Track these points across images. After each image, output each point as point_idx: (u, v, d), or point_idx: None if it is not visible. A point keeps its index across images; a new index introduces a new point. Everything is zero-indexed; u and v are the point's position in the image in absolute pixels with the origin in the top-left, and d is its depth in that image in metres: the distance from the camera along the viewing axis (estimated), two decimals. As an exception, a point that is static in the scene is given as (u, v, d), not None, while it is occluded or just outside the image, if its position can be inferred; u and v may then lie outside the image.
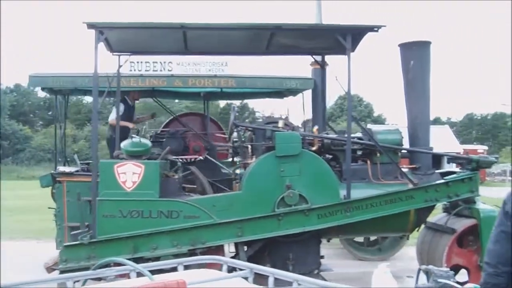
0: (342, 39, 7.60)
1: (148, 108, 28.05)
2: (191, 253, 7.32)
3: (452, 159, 8.63)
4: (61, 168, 9.30)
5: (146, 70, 10.53)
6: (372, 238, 11.43)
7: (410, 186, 7.78)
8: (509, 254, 3.43)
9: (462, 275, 8.24)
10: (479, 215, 7.70)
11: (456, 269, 8.15)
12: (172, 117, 11.78)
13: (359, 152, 8.27)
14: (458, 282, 7.11)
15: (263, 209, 7.46)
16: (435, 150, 8.54)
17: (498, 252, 3.46)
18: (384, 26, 7.51)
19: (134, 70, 10.46)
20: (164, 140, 10.46)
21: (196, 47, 8.98)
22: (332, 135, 8.19)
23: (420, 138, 8.18)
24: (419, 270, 5.69)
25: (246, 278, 3.06)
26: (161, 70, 10.56)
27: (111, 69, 9.13)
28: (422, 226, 8.59)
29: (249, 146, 8.27)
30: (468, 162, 8.13)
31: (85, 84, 10.08)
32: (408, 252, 10.98)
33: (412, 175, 7.95)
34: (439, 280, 5.28)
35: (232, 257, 7.80)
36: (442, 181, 7.92)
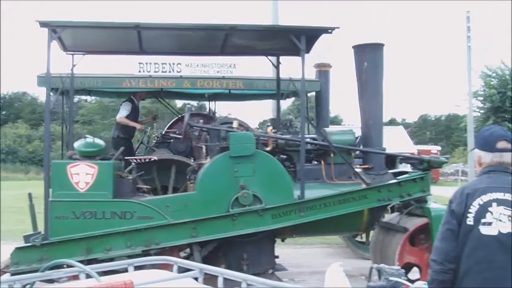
0: (296, 40, 7.64)
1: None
2: (145, 254, 7.26)
3: (404, 159, 8.77)
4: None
5: (155, 71, 10.72)
6: None
7: (364, 186, 7.88)
8: (454, 251, 3.51)
9: (415, 273, 8.38)
10: (430, 214, 7.83)
11: (408, 267, 8.27)
12: (176, 118, 11.67)
13: (313, 153, 8.33)
14: (410, 280, 7.27)
15: (217, 210, 7.45)
16: (390, 151, 8.67)
17: (444, 249, 3.54)
18: (338, 27, 7.59)
19: (143, 71, 10.65)
20: (171, 141, 10.24)
21: (151, 47, 8.93)
22: (285, 136, 8.21)
23: (373, 139, 8.28)
24: (371, 268, 5.78)
25: (196, 279, 3.06)
26: (170, 72, 10.69)
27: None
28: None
29: (204, 147, 8.26)
30: (420, 162, 8.28)
31: (93, 84, 10.14)
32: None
33: (365, 175, 8.04)
34: (390, 278, 5.36)
35: (187, 258, 7.79)
36: (395, 181, 8.04)
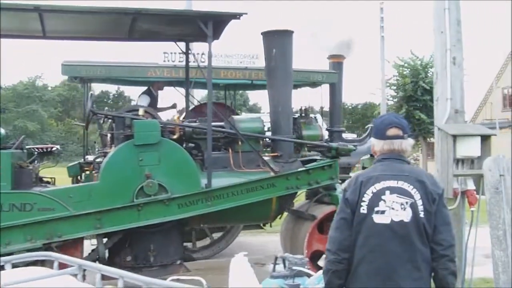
0: (203, 26, 7.47)
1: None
2: (47, 247, 6.96)
3: (312, 147, 8.78)
4: (90, 158, 9.25)
5: (179, 61, 10.81)
6: None
7: (272, 174, 7.82)
8: (348, 240, 3.47)
9: (323, 261, 8.39)
10: (339, 201, 7.83)
11: (317, 255, 8.31)
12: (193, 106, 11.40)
13: (222, 141, 8.20)
14: (319, 267, 7.29)
15: (122, 200, 7.20)
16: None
17: (338, 239, 3.50)
18: (246, 13, 7.46)
19: (168, 60, 10.88)
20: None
21: (54, 31, 8.56)
22: (192, 123, 8.05)
23: (282, 126, 8.21)
24: (276, 257, 5.74)
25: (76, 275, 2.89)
26: (194, 62, 10.21)
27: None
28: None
29: (109, 135, 8.00)
30: (328, 150, 8.30)
31: (119, 74, 10.35)
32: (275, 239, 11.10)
33: (274, 163, 7.99)
34: (294, 267, 5.34)
35: (93, 250, 7.54)
36: (303, 168, 8.03)
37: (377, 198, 3.44)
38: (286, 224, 8.78)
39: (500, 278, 5.02)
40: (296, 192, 8.22)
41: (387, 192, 3.44)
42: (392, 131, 3.60)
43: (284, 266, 5.58)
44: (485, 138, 6.28)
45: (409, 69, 27.00)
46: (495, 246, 5.08)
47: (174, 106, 11.69)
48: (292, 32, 8.34)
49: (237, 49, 10.84)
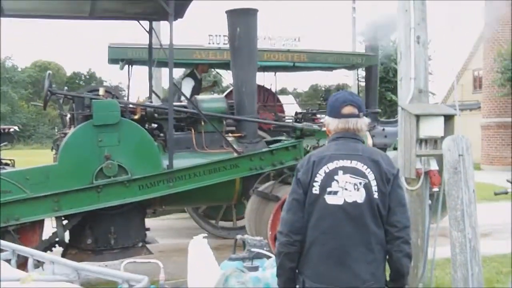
0: (164, 3, 7.28)
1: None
2: (4, 230, 6.78)
3: (278, 127, 8.69)
4: None
5: (224, 43, 10.85)
6: None
7: (235, 154, 7.71)
8: (300, 222, 3.37)
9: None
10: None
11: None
12: (230, 89, 11.82)
13: (184, 121, 8.05)
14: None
15: (80, 181, 7.02)
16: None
17: (290, 220, 3.39)
18: (209, -9, 7.31)
19: (213, 43, 11.05)
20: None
21: (12, 9, 8.28)
22: (154, 104, 7.90)
23: (245, 106, 8.10)
24: (236, 239, 5.66)
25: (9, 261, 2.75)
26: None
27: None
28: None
29: (68, 115, 7.81)
30: (293, 130, 8.21)
31: (163, 56, 9.89)
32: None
33: (238, 144, 7.88)
34: (253, 249, 5.26)
35: (53, 233, 7.38)
36: (267, 149, 7.93)
37: (329, 178, 3.33)
38: (251, 205, 8.69)
39: (457, 259, 4.98)
40: (260, 173, 8.12)
41: (340, 172, 3.34)
42: (347, 109, 3.49)
43: (244, 248, 5.51)
44: (448, 118, 6.23)
45: (381, 51, 26.98)
46: (453, 227, 5.02)
47: (214, 84, 12.57)
48: (257, 10, 8.21)
49: (282, 31, 11.04)
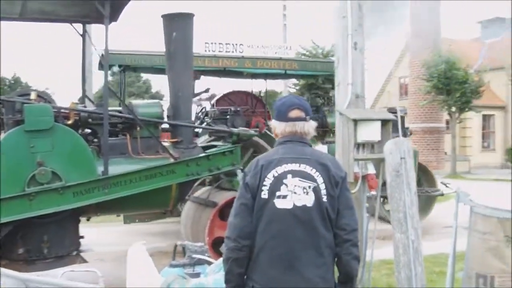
0: (100, 6, 7.12)
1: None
2: None
3: (214, 132, 8.63)
4: None
5: (219, 51, 11.45)
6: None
7: (172, 160, 7.60)
8: (249, 227, 3.33)
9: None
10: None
11: (219, 242, 8.19)
12: (221, 94, 12.74)
13: (119, 126, 7.88)
14: (221, 254, 7.14)
15: (12, 189, 6.72)
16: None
17: (238, 225, 3.34)
18: (145, -6, 7.21)
19: (209, 50, 11.39)
20: (228, 117, 10.98)
21: None
22: (88, 108, 7.71)
23: (181, 111, 8.01)
24: (176, 246, 5.56)
25: None
26: (232, 52, 11.38)
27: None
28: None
29: None
30: (230, 136, 8.18)
31: (162, 62, 10.33)
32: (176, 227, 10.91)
33: (174, 149, 7.78)
34: (194, 255, 5.18)
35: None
36: (203, 154, 7.86)
37: (278, 182, 3.31)
38: (187, 211, 8.60)
39: (400, 260, 5.06)
40: (197, 179, 8.04)
41: (289, 175, 3.32)
42: (294, 113, 3.48)
43: (184, 255, 5.42)
44: (385, 123, 6.34)
45: (310, 57, 27.35)
46: (396, 229, 5.10)
47: (207, 90, 12.66)
48: (193, 15, 8.15)
49: (274, 40, 11.58)
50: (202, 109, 12.29)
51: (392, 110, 13.95)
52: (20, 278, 2.27)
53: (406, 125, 14.56)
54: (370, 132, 6.20)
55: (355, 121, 6.13)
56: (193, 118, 11.64)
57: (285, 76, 13.52)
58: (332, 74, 13.03)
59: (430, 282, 7.43)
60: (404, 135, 13.04)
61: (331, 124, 11.32)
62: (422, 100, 28.11)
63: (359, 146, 6.25)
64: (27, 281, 2.33)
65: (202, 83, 14.16)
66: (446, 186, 9.04)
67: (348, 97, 6.36)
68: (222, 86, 16.14)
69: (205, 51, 11.36)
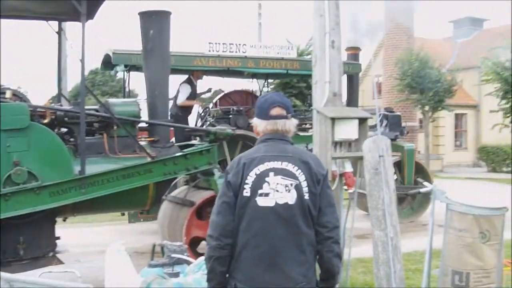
0: (76, 3, 7.04)
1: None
2: None
3: (191, 131, 8.61)
4: None
5: (223, 51, 11.46)
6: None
7: (149, 159, 7.56)
8: (231, 225, 3.33)
9: (203, 248, 8.30)
10: (217, 186, 7.75)
11: (197, 241, 8.18)
12: (222, 93, 13.07)
13: (96, 125, 7.81)
14: (198, 254, 7.15)
15: (-13, 189, 6.67)
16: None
17: (220, 224, 3.34)
18: (121, -8, 7.16)
19: (213, 50, 11.39)
20: (231, 117, 11.24)
21: None
22: (65, 107, 7.63)
23: (158, 110, 7.97)
24: (154, 245, 5.54)
25: None
26: (236, 52, 11.46)
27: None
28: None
29: None
30: (206, 135, 8.16)
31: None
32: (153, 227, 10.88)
33: (151, 148, 7.73)
34: (173, 255, 5.17)
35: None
36: (181, 153, 7.83)
37: (260, 180, 3.32)
38: (164, 211, 8.56)
39: (379, 257, 5.10)
40: (174, 178, 8.01)
41: (271, 173, 3.33)
42: (275, 111, 3.49)
43: (163, 254, 5.40)
44: (362, 121, 6.38)
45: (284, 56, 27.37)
46: (375, 226, 5.14)
47: (209, 90, 12.82)
48: (170, 13, 8.10)
49: (276, 40, 11.83)
50: (205, 109, 12.41)
51: (389, 110, 14.60)
52: (5, 278, 2.25)
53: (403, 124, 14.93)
54: (348, 131, 6.23)
55: (333, 120, 6.15)
56: (195, 118, 12.30)
57: (286, 75, 13.77)
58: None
59: (406, 280, 7.49)
60: (401, 133, 13.51)
61: None
62: (395, 99, 28.38)
63: (336, 144, 6.27)
64: (12, 281, 2.30)
65: (204, 83, 14.46)
66: (422, 184, 9.13)
67: (326, 95, 6.38)
68: (220, 85, 16.26)
69: (209, 51, 11.42)
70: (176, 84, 11.86)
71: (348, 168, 6.37)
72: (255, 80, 14.27)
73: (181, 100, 11.37)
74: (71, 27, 9.74)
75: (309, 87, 14.13)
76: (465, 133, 35.76)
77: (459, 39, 39.01)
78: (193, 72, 11.59)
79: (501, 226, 5.01)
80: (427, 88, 26.72)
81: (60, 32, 8.64)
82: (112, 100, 8.21)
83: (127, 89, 12.19)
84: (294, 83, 27.56)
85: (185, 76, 11.88)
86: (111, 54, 10.72)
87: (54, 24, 8.35)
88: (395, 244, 5.05)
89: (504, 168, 30.51)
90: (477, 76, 30.85)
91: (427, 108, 27.57)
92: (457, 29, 40.55)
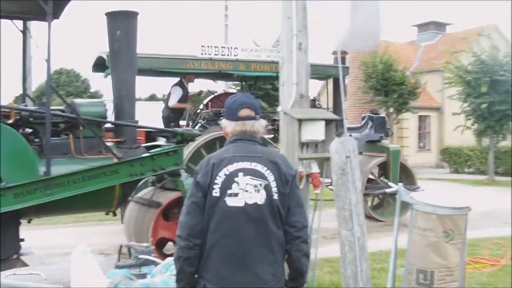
0: (42, 2, 6.96)
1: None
2: None
3: (158, 132, 8.58)
4: None
5: (215, 54, 11.58)
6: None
7: (115, 160, 7.51)
8: (200, 225, 3.34)
9: (170, 248, 8.29)
10: (184, 187, 7.75)
11: (163, 242, 8.16)
12: (211, 96, 13.21)
13: (62, 126, 7.72)
14: (165, 255, 7.12)
15: (-51, 191, 6.55)
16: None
17: (189, 224, 3.35)
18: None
19: (205, 53, 11.51)
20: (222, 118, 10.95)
21: None
22: (30, 107, 7.53)
23: (125, 111, 7.92)
24: (121, 246, 5.51)
25: None
26: (228, 55, 11.57)
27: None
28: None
29: None
30: (173, 135, 8.14)
31: (160, 65, 11.24)
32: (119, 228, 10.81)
33: (117, 149, 7.68)
34: (140, 256, 5.14)
35: None
36: (147, 154, 7.80)
37: (230, 180, 3.34)
38: (130, 212, 8.52)
39: (347, 257, 5.16)
40: (140, 179, 7.97)
41: (240, 174, 3.35)
42: (244, 112, 3.52)
43: (130, 255, 5.37)
44: (328, 123, 6.43)
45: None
46: (341, 226, 5.20)
47: (200, 93, 13.17)
48: (137, 13, 8.06)
49: (267, 43, 12.03)
50: (196, 111, 12.63)
51: (374, 112, 15.02)
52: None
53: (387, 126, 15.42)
54: (314, 132, 6.28)
55: (300, 121, 6.20)
56: (186, 120, 12.62)
57: (276, 78, 13.72)
58: (321, 77, 13.95)
59: (372, 279, 7.57)
60: (386, 135, 14.06)
61: None
62: (360, 100, 28.68)
63: (303, 145, 6.32)
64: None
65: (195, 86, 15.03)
66: (387, 184, 9.27)
67: (293, 96, 6.42)
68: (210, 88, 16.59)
69: (202, 54, 11.55)
70: (167, 86, 12.08)
71: (315, 169, 6.43)
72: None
73: (172, 102, 11.68)
74: (36, 27, 9.61)
75: (275, 89, 14.19)
76: (428, 135, 36.21)
77: (422, 42, 39.54)
78: (185, 75, 11.85)
79: (464, 225, 5.10)
80: (391, 90, 27.05)
81: (25, 31, 8.53)
82: (78, 100, 8.11)
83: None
84: (260, 85, 27.70)
85: (177, 79, 12.17)
86: (105, 57, 10.60)
87: (19, 23, 8.24)
88: (362, 243, 5.11)
89: (466, 169, 31.04)
90: (440, 79, 31.28)
91: (391, 110, 27.88)
92: (421, 33, 41.09)
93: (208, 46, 11.66)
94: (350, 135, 13.62)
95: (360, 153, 13.21)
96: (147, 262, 5.03)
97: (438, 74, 31.72)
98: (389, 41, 32.16)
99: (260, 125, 3.57)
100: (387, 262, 7.88)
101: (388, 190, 5.66)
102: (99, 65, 11.60)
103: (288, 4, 6.34)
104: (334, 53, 13.97)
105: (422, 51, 38.45)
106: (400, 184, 5.55)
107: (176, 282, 3.45)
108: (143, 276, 4.77)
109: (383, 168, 13.81)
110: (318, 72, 13.08)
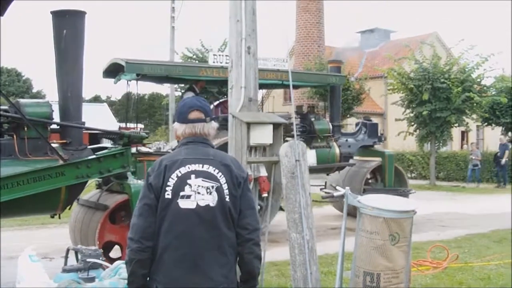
0: None
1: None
2: None
3: (105, 134, 8.48)
4: (142, 149, 10.06)
5: (226, 62, 11.44)
6: None
7: (61, 162, 7.38)
8: (152, 228, 3.33)
9: (116, 252, 8.20)
10: (131, 190, 7.69)
11: (110, 246, 8.07)
12: (217, 102, 13.48)
13: (5, 126, 7.53)
14: (111, 259, 7.04)
15: None
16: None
17: (141, 226, 3.33)
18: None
19: (217, 62, 12.12)
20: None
21: None
22: None
23: (71, 112, 7.78)
24: (68, 250, 5.42)
25: None
26: None
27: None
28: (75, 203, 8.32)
29: None
30: (120, 138, 8.05)
31: (176, 72, 11.93)
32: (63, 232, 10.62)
33: (63, 151, 7.55)
34: (88, 259, 5.08)
35: None
36: (94, 156, 7.69)
37: (182, 182, 3.33)
38: (76, 215, 8.39)
39: (296, 259, 5.20)
40: (87, 181, 7.86)
41: (193, 176, 3.35)
42: (193, 114, 3.53)
43: (77, 259, 5.29)
44: (276, 127, 6.49)
45: (198, 61, 27.41)
46: (291, 229, 5.24)
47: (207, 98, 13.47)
48: (85, 13, 7.94)
49: (273, 53, 12.39)
50: None
51: (367, 118, 15.77)
52: None
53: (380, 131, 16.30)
54: (263, 135, 6.33)
55: (248, 124, 6.23)
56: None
57: (281, 86, 14.56)
58: (322, 85, 15.73)
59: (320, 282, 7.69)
60: (379, 140, 15.10)
61: (318, 131, 13.40)
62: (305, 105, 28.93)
63: (251, 149, 6.36)
64: None
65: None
66: (335, 189, 9.42)
67: (241, 100, 6.44)
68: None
69: (214, 62, 12.11)
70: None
71: (263, 172, 6.47)
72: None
73: None
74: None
75: (220, 92, 14.30)
76: (371, 140, 36.79)
77: (366, 49, 40.20)
78: (197, 81, 12.52)
79: (409, 229, 5.22)
80: (336, 95, 27.39)
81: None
82: (23, 100, 7.92)
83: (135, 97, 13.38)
84: (224, 90, 27.65)
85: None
86: (121, 63, 11.09)
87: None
88: (311, 246, 5.16)
89: (409, 174, 31.69)
90: (383, 86, 31.84)
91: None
92: (365, 40, 41.75)
93: (219, 55, 12.38)
94: (346, 140, 14.64)
95: (351, 157, 14.57)
96: (95, 266, 4.97)
97: (382, 81, 32.29)
98: (333, 47, 32.57)
99: (210, 128, 3.58)
100: (334, 265, 8.00)
101: (336, 194, 5.73)
102: (111, 71, 11.96)
103: (237, 7, 6.36)
104: (330, 62, 15.27)
105: (366, 57, 39.11)
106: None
107: (128, 284, 3.42)
108: (91, 279, 4.72)
109: (379, 172, 14.86)
110: (320, 80, 15.01)
